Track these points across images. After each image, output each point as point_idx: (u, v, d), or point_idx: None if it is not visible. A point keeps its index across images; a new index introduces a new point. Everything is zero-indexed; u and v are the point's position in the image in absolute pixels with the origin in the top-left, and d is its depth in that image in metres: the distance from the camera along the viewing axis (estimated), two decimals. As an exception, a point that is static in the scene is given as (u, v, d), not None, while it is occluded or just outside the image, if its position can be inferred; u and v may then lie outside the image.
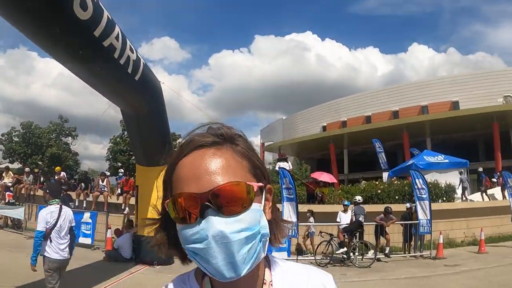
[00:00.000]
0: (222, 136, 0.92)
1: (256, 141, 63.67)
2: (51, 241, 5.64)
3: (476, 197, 19.77)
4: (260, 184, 0.91)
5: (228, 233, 0.82)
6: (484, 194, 19.88)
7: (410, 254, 13.21)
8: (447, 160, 20.48)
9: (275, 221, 0.97)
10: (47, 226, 5.60)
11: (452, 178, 18.92)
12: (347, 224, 12.71)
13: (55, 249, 5.68)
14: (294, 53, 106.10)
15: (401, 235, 13.62)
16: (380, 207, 14.15)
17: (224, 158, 0.88)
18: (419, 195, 13.41)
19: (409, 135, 36.07)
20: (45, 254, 5.65)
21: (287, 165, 16.32)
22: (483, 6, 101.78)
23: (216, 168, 0.86)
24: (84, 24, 5.27)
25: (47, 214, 5.68)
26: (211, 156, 0.88)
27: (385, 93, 44.64)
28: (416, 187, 13.54)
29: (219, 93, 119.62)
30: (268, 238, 0.92)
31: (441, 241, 12.74)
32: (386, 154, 26.30)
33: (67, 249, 5.86)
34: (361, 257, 12.23)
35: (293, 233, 11.76)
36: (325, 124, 49.08)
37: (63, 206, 5.97)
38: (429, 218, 12.96)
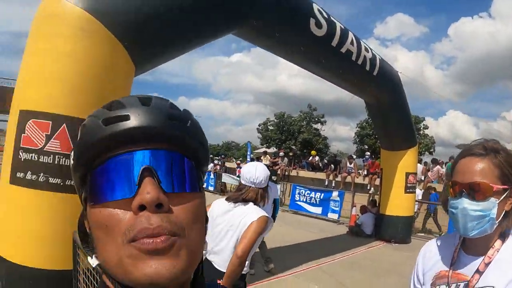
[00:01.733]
0: (487, 150, 1.37)
1: (509, 116, 55.37)
2: None
3: None
4: (502, 186, 1.33)
5: (469, 210, 1.33)
6: None
7: None
8: None
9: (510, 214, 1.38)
10: None
11: None
12: None
13: None
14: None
15: None
16: None
17: (482, 164, 1.35)
18: None
19: None
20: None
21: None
22: None
23: (474, 170, 1.34)
24: (321, 39, 6.40)
25: None
26: (475, 162, 1.36)
27: None
28: None
29: (463, 64, 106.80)
30: (495, 222, 1.34)
31: None
32: None
33: None
34: None
35: None
36: None
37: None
38: None
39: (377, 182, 13.56)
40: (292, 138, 42.95)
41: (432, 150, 37.11)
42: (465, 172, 1.36)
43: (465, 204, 1.33)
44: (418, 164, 14.06)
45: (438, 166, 16.45)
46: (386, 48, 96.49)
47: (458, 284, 1.41)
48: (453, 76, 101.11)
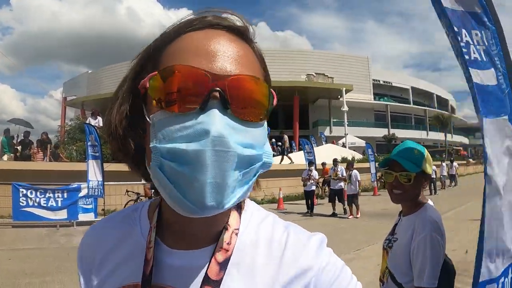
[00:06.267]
0: (241, 30, 0.67)
1: (56, 94, 58.48)
2: None
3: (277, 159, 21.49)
4: (276, 100, 0.68)
5: (232, 141, 0.55)
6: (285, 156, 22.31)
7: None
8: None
9: None
10: None
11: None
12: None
13: None
14: (105, 3, 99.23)
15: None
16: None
17: (243, 49, 0.64)
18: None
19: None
20: None
21: (96, 122, 15.23)
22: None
23: (235, 54, 0.62)
24: None
25: None
26: (230, 40, 0.64)
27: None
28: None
29: (20, 37, 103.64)
30: (260, 172, 0.64)
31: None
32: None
33: None
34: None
35: (99, 192, 11.10)
36: (133, 81, 48.05)
37: None
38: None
39: None
40: None
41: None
42: (215, 53, 0.60)
43: (222, 125, 0.55)
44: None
45: None
46: None
47: None
48: (7, 47, 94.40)
